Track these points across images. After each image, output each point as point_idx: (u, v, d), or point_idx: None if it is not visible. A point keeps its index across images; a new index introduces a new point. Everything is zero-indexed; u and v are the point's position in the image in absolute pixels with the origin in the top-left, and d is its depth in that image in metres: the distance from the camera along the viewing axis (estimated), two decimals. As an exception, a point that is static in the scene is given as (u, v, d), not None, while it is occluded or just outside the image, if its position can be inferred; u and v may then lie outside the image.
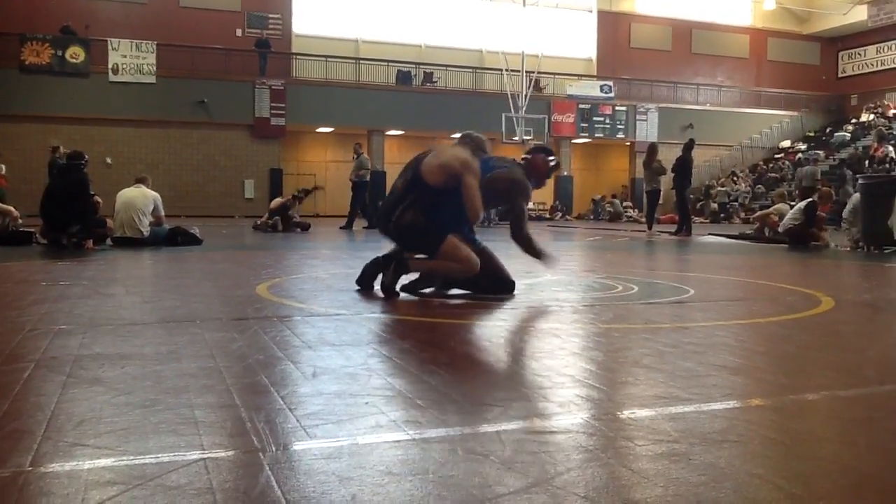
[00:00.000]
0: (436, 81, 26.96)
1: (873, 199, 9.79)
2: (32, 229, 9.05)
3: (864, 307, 4.91)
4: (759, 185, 27.35)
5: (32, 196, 12.22)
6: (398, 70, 26.64)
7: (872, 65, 32.15)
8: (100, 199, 9.07)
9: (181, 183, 22.92)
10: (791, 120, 31.69)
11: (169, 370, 2.56)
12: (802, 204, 10.96)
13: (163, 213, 9.31)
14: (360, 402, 2.20)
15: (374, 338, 3.42)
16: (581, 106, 28.29)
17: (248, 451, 1.74)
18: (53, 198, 8.51)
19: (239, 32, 25.52)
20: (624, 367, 2.87)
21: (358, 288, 4.84)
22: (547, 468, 1.69)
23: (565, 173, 28.02)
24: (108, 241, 8.86)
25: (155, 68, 23.12)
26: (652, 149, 15.12)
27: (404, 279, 4.71)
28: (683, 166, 14.48)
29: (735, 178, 28.67)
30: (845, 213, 10.84)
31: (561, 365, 2.80)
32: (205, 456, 1.69)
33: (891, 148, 23.67)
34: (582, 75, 29.57)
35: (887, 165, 22.45)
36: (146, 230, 8.93)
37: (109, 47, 22.83)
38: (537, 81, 25.11)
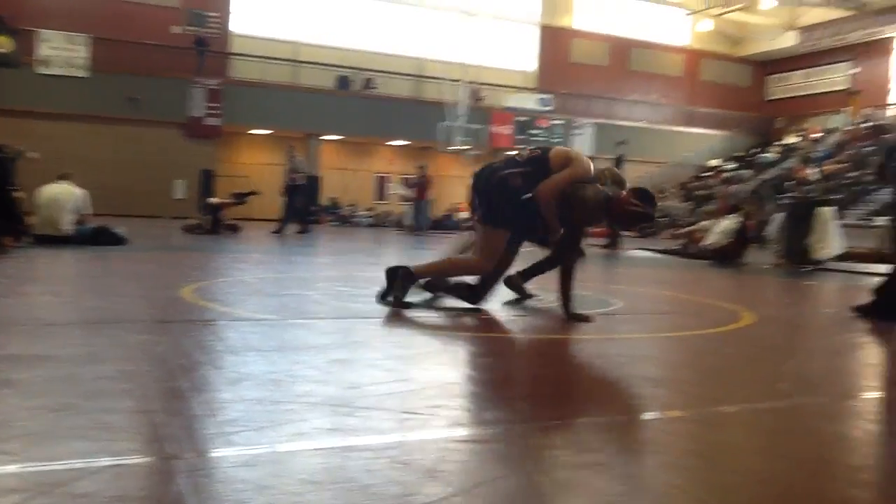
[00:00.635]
0: (376, 87, 26.88)
1: (794, 220, 10.34)
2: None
3: (782, 323, 5.09)
4: (690, 202, 28.07)
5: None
6: (338, 75, 26.50)
7: (799, 89, 33.42)
8: (22, 194, 8.74)
9: (109, 181, 22.19)
10: (721, 139, 32.66)
11: (86, 373, 2.47)
12: (734, 224, 11.14)
13: (90, 212, 9.02)
14: (283, 409, 2.16)
15: (300, 344, 3.37)
16: (518, 118, 28.59)
17: (164, 458, 1.69)
18: (-31, 191, 8.15)
19: (177, 29, 24.99)
20: (548, 378, 2.90)
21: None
22: (469, 477, 1.69)
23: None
24: (28, 238, 8.53)
25: (88, 62, 22.45)
26: None
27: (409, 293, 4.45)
28: None
29: (664, 195, 29.34)
30: (771, 232, 11.21)
31: (487, 377, 2.81)
32: (118, 462, 1.63)
33: (814, 171, 24.60)
34: (521, 88, 29.90)
35: (810, 187, 23.31)
36: (70, 228, 8.63)
37: (39, 38, 22.07)
38: (477, 92, 25.21)
